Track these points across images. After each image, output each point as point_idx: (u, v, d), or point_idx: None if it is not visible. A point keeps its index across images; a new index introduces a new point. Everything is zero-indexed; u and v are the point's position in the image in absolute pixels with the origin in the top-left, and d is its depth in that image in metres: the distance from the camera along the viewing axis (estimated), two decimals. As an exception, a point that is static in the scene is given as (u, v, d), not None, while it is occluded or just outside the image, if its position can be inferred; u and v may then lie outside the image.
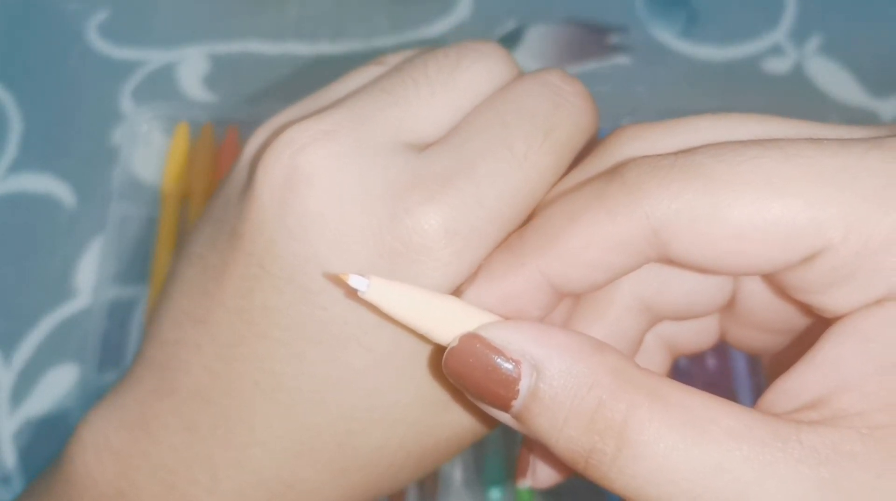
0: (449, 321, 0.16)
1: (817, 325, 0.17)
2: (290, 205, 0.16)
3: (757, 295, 0.18)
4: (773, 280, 0.16)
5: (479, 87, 0.18)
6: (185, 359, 0.17)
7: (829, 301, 0.15)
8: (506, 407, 0.15)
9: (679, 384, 0.15)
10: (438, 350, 0.17)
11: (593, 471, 0.15)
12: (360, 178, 0.16)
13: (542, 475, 0.18)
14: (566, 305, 0.18)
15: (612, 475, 0.14)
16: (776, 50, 0.45)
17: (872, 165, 0.14)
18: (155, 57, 0.45)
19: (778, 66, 0.44)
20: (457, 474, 0.34)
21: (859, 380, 0.14)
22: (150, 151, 0.41)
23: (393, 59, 0.20)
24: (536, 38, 0.45)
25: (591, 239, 0.15)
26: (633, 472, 0.14)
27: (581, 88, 0.19)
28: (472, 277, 0.17)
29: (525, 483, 0.18)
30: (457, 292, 0.17)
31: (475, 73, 0.18)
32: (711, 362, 0.36)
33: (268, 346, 0.17)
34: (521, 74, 0.19)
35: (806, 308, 0.17)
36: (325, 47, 0.46)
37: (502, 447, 0.34)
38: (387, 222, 0.16)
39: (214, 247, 0.17)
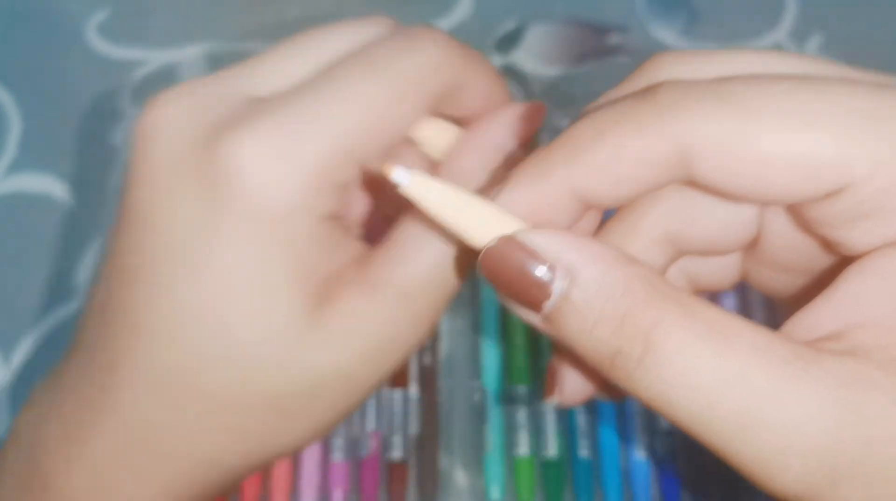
0: (482, 224, 0.16)
1: (838, 267, 0.17)
2: (138, 156, 0.18)
3: (781, 234, 0.18)
4: (798, 213, 0.17)
5: (341, 50, 0.19)
6: (86, 318, 0.20)
7: (851, 237, 0.16)
8: (537, 308, 0.16)
9: (707, 301, 0.15)
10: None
11: (618, 372, 0.15)
12: (194, 125, 0.18)
13: (569, 391, 0.18)
14: (589, 224, 0.19)
15: (636, 377, 0.15)
16: (776, 50, 0.45)
17: None
18: (155, 57, 0.45)
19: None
20: (457, 474, 0.34)
21: (879, 315, 0.15)
22: (149, 151, 0.41)
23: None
24: (536, 38, 0.45)
25: (618, 154, 0.16)
26: (656, 375, 0.14)
27: (440, 36, 0.19)
28: (501, 185, 0.17)
29: (553, 400, 0.18)
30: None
31: (339, 38, 0.19)
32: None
33: (124, 292, 0.18)
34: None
35: (828, 246, 0.17)
36: (325, 47, 0.45)
37: (502, 447, 0.34)
38: (206, 156, 0.17)
39: (116, 217, 0.19)
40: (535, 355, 0.36)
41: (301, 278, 0.18)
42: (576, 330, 0.15)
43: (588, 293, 0.15)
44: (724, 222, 0.18)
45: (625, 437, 0.35)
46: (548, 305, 0.15)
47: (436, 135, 0.20)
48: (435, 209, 0.16)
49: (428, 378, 0.35)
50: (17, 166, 0.42)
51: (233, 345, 0.18)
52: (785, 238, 0.18)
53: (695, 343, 0.14)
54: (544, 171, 0.17)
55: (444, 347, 0.37)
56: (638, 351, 0.15)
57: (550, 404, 0.19)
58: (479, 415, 0.35)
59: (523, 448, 0.34)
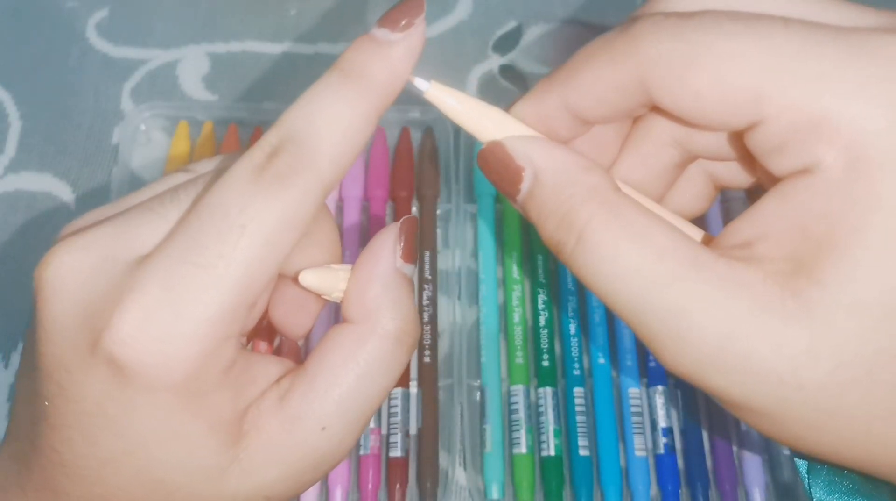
0: (487, 125, 0.21)
1: None
2: (38, 310, 0.19)
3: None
4: (737, 141, 0.20)
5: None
6: (19, 429, 0.21)
7: (772, 164, 0.18)
8: (513, 198, 0.20)
9: (641, 206, 0.19)
10: None
11: (560, 255, 0.19)
12: (84, 292, 0.18)
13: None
14: (614, 134, 0.22)
15: (571, 262, 0.19)
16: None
17: (826, 52, 0.16)
18: (155, 56, 0.45)
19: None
20: (457, 474, 0.34)
21: (775, 233, 0.17)
22: (149, 150, 0.41)
23: (200, 167, 0.22)
24: (536, 39, 0.45)
25: (596, 78, 0.19)
26: (583, 262, 0.18)
27: (280, 167, 0.18)
28: (521, 97, 0.21)
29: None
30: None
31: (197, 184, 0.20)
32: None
33: (46, 425, 0.19)
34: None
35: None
36: (325, 47, 0.46)
37: (502, 445, 0.34)
38: (96, 336, 0.18)
39: (26, 341, 0.20)
40: (535, 355, 0.36)
41: (213, 425, 0.19)
42: (536, 218, 0.19)
43: (544, 191, 0.19)
44: (711, 136, 0.21)
45: (624, 435, 0.35)
46: (519, 197, 0.20)
47: (333, 282, 0.21)
48: (450, 111, 0.21)
49: (428, 377, 0.35)
50: (16, 165, 0.42)
51: (156, 485, 0.19)
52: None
53: (611, 240, 0.18)
54: (547, 89, 0.20)
55: (444, 346, 0.37)
56: (572, 241, 0.18)
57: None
58: (478, 414, 0.35)
59: (523, 446, 0.34)
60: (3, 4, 0.47)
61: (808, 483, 0.19)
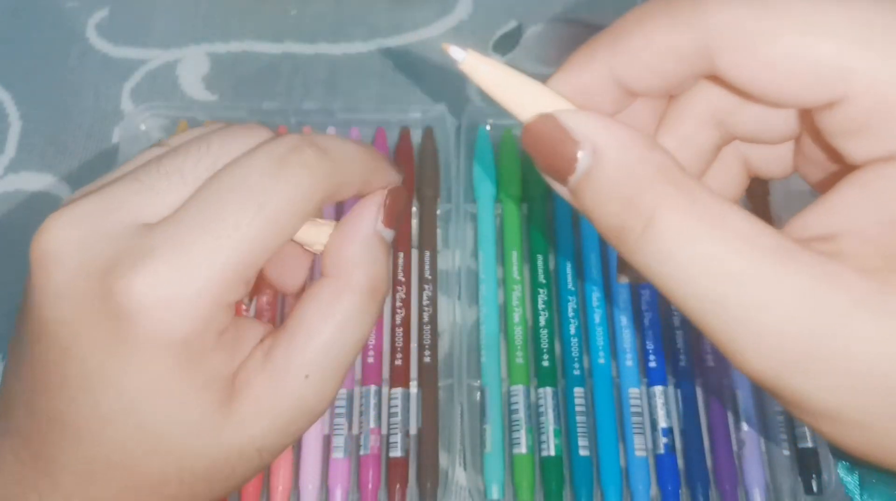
0: (527, 100, 0.18)
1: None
2: (38, 279, 0.20)
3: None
4: (808, 120, 0.18)
5: (216, 164, 0.21)
6: (12, 405, 0.21)
7: (849, 149, 0.17)
8: (563, 180, 0.18)
9: (712, 191, 0.17)
10: None
11: (623, 245, 0.17)
12: (88, 257, 0.19)
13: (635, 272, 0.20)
14: (651, 113, 0.21)
15: (636, 249, 0.17)
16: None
17: None
18: (155, 56, 0.45)
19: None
20: (457, 474, 0.34)
21: (861, 227, 0.16)
22: (149, 150, 0.41)
23: (175, 141, 0.22)
24: (536, 38, 0.45)
25: (651, 42, 0.17)
26: (652, 249, 0.16)
27: (308, 156, 0.20)
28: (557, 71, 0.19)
29: (624, 280, 0.21)
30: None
31: (212, 152, 0.21)
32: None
33: (48, 393, 0.20)
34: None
35: (836, 156, 0.18)
36: (325, 47, 0.46)
37: (502, 445, 0.34)
38: (105, 292, 0.19)
39: (21, 312, 0.21)
40: (535, 355, 0.36)
41: (208, 384, 0.20)
42: (593, 203, 0.17)
43: (606, 172, 0.17)
44: (764, 116, 0.19)
45: (623, 435, 0.35)
46: (573, 178, 0.18)
47: (316, 235, 0.22)
48: (486, 84, 0.19)
49: (428, 377, 0.35)
50: (16, 166, 0.42)
51: (155, 441, 0.20)
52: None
53: (688, 225, 0.16)
54: (590, 57, 0.18)
55: (444, 346, 0.37)
56: (640, 226, 0.16)
57: (623, 283, 0.21)
58: (478, 414, 0.35)
59: (523, 446, 0.34)
60: (2, 4, 0.47)
61: (861, 495, 0.18)
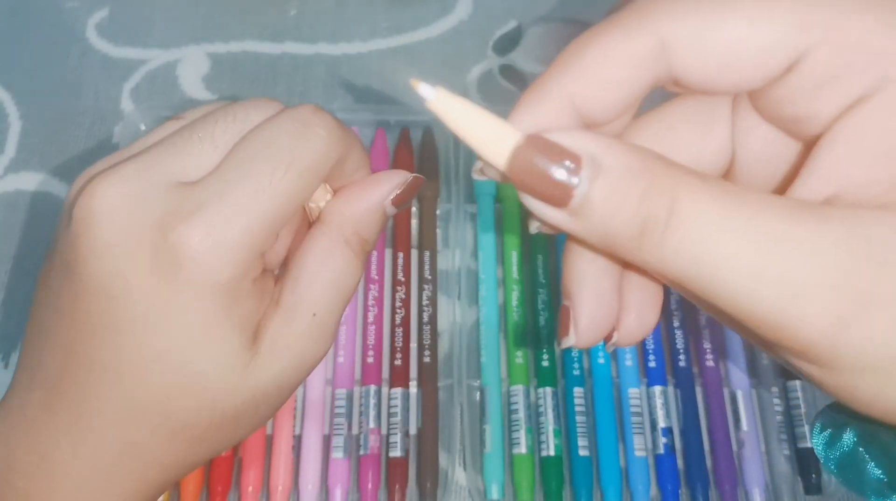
0: (497, 137, 0.17)
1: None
2: (87, 236, 0.21)
3: (754, 154, 0.20)
4: (766, 100, 0.18)
5: (243, 130, 0.23)
6: (43, 360, 0.23)
7: (816, 110, 0.17)
8: (565, 202, 0.17)
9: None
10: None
11: (648, 244, 0.16)
12: (139, 212, 0.21)
13: (584, 328, 0.19)
14: None
15: (665, 242, 0.16)
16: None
17: None
18: (155, 56, 0.45)
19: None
20: (457, 474, 0.34)
21: (863, 171, 0.16)
22: (149, 150, 0.41)
23: (190, 115, 0.25)
24: (536, 39, 0.45)
25: (606, 54, 0.17)
26: (682, 235, 0.16)
27: (328, 121, 0.23)
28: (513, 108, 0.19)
29: (569, 341, 0.19)
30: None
31: (239, 120, 0.23)
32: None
33: (91, 341, 0.22)
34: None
35: (798, 133, 0.18)
36: (326, 47, 0.46)
37: (502, 445, 0.34)
38: (159, 243, 0.21)
39: (52, 275, 0.23)
40: (535, 355, 0.36)
41: (242, 325, 0.22)
42: (605, 214, 0.16)
43: (613, 175, 0.16)
44: (697, 153, 0.20)
45: (623, 435, 0.35)
46: (577, 194, 0.16)
47: (316, 197, 0.25)
48: (455, 123, 0.18)
49: (428, 377, 0.35)
50: (16, 166, 0.42)
51: (193, 380, 0.22)
52: (757, 156, 0.20)
53: (713, 202, 0.15)
54: (546, 88, 0.18)
55: (443, 346, 0.37)
56: (664, 214, 0.16)
57: (567, 347, 0.19)
58: (478, 414, 0.35)
59: (522, 446, 0.34)
60: (2, 4, 0.47)
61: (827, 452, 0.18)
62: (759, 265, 0.15)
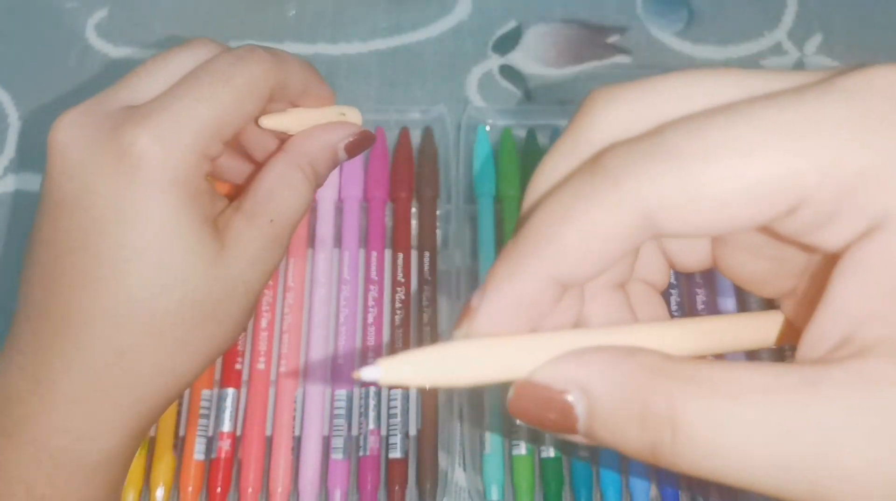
0: (476, 372, 0.17)
1: (823, 263, 0.18)
2: (56, 162, 0.24)
3: (744, 236, 0.20)
4: (766, 230, 0.17)
5: (188, 67, 0.27)
6: (31, 293, 0.25)
7: (822, 241, 0.16)
8: (573, 431, 0.17)
9: (706, 360, 0.16)
10: None
11: (661, 460, 0.16)
12: (97, 131, 0.25)
13: (483, 327, 0.18)
14: None
15: (678, 461, 0.16)
16: (776, 50, 0.45)
17: (829, 109, 0.15)
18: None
19: (778, 65, 0.44)
20: (456, 475, 0.34)
21: (875, 309, 0.15)
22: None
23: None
24: (536, 38, 0.45)
25: (587, 233, 0.17)
26: (692, 452, 0.15)
27: (261, 53, 0.27)
28: (481, 289, 0.18)
29: (460, 334, 0.19)
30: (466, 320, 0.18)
31: (184, 58, 0.27)
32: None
33: (71, 258, 0.24)
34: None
35: (805, 248, 0.18)
36: (325, 47, 0.46)
37: (502, 446, 0.34)
38: (115, 149, 0.24)
39: (38, 215, 0.26)
40: (535, 354, 0.36)
41: (203, 218, 0.25)
42: (612, 438, 0.16)
43: (605, 403, 0.16)
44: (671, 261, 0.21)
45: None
46: (580, 426, 0.17)
47: (292, 120, 0.29)
48: (420, 383, 0.17)
49: (427, 378, 0.35)
50: (15, 166, 0.42)
51: (172, 273, 0.24)
52: (750, 236, 0.19)
53: (710, 410, 0.15)
54: (518, 266, 0.18)
55: (443, 346, 0.37)
56: (668, 438, 0.15)
57: (457, 335, 0.19)
58: (478, 415, 0.35)
59: (522, 447, 0.34)
60: (2, 4, 0.47)
61: None
62: (778, 448, 0.15)
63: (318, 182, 0.29)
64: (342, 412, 0.35)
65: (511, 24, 0.46)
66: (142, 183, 0.24)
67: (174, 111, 0.25)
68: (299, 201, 0.28)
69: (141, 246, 0.24)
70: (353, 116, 0.31)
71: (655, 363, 0.16)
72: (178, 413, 0.35)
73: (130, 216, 0.24)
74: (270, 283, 0.36)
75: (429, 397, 0.35)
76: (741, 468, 0.15)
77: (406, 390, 0.35)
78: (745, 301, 0.36)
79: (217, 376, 0.35)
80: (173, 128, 0.24)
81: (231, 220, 0.26)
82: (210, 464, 0.34)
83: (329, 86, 0.30)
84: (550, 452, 0.34)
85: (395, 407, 0.35)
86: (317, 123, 0.30)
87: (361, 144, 0.30)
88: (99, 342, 0.24)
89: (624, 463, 0.34)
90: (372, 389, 0.35)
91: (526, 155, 0.40)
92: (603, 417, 0.16)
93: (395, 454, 0.34)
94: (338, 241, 0.38)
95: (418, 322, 0.36)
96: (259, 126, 0.28)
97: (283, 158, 0.28)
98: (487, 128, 0.41)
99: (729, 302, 0.36)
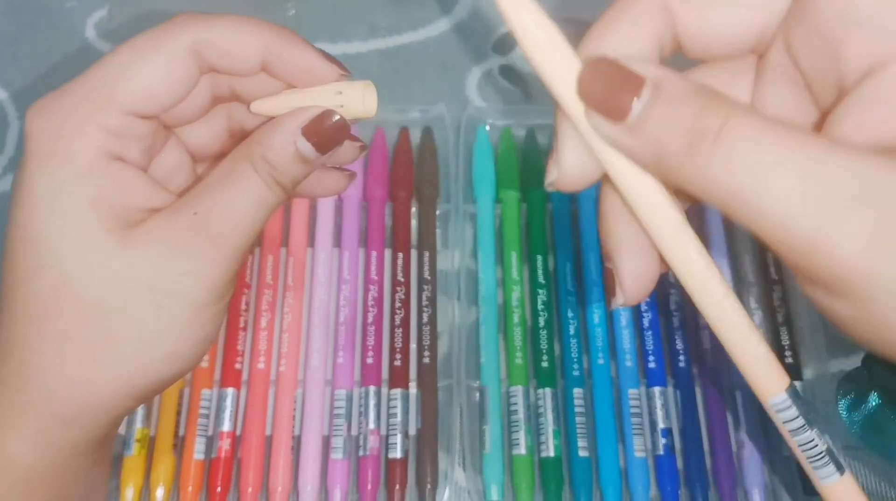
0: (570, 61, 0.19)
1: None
2: (24, 142, 0.23)
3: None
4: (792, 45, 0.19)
5: None
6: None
7: (849, 50, 0.17)
8: (625, 114, 0.18)
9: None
10: None
11: (697, 153, 0.17)
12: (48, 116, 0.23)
13: (630, 286, 0.20)
14: None
15: (713, 152, 0.16)
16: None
17: None
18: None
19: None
20: (456, 475, 0.34)
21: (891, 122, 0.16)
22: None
23: None
24: (536, 38, 0.45)
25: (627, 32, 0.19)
26: (729, 146, 0.16)
27: (175, 19, 0.25)
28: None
29: (618, 301, 0.20)
30: None
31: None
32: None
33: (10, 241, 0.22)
34: None
35: (826, 87, 0.19)
36: (325, 47, 0.45)
37: (501, 446, 0.34)
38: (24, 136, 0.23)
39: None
40: (535, 355, 0.36)
41: (96, 203, 0.22)
42: (658, 128, 0.17)
43: (672, 94, 0.17)
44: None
45: (623, 436, 0.35)
46: (636, 108, 0.18)
47: (281, 104, 0.25)
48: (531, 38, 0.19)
49: (427, 378, 0.35)
50: (14, 166, 0.42)
51: (46, 254, 0.22)
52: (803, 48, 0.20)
53: (764, 122, 0.16)
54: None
55: (443, 347, 0.37)
56: (716, 127, 0.16)
57: (618, 307, 0.20)
58: (478, 415, 0.35)
59: (522, 447, 0.34)
60: (2, 4, 0.47)
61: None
62: (799, 183, 0.16)
63: (280, 179, 0.24)
64: (342, 411, 0.35)
65: (511, 24, 0.46)
66: (28, 163, 0.22)
67: (72, 88, 0.23)
68: (243, 198, 0.23)
69: (21, 223, 0.22)
70: (352, 95, 0.24)
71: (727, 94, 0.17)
72: (178, 413, 0.35)
73: (23, 198, 0.22)
74: (270, 282, 0.36)
75: (429, 396, 0.35)
76: (758, 187, 0.16)
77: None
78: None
79: (217, 376, 0.35)
80: (65, 103, 0.22)
81: (152, 216, 0.23)
82: (210, 464, 0.34)
83: (329, 57, 0.25)
84: (551, 452, 0.34)
85: (395, 407, 0.35)
86: (307, 105, 0.24)
87: (328, 133, 0.24)
88: (6, 353, 0.22)
89: (624, 462, 0.34)
90: (372, 388, 0.35)
91: (526, 155, 0.40)
92: (663, 104, 0.17)
93: (395, 453, 0.34)
94: (337, 241, 0.38)
95: (418, 322, 0.36)
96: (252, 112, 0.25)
97: (234, 152, 0.24)
98: (487, 128, 0.41)
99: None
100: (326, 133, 0.24)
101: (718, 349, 0.36)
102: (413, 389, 0.35)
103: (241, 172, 0.23)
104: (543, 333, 0.36)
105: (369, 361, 0.36)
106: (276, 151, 0.23)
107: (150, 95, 0.23)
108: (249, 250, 0.25)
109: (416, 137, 0.41)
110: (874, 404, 0.20)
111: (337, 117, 0.24)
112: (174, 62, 0.23)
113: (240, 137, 0.26)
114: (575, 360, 0.36)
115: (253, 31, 0.24)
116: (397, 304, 0.37)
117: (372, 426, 0.34)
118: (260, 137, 0.23)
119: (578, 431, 0.34)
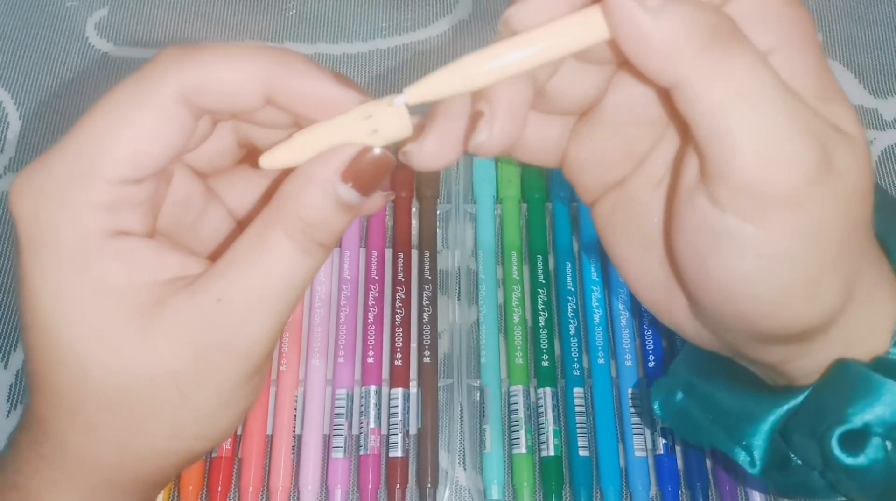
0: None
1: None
2: (14, 225, 0.20)
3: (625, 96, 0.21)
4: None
5: None
6: (31, 397, 0.22)
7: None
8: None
9: None
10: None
11: (712, 49, 0.18)
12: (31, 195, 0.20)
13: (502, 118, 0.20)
14: None
15: (720, 55, 0.18)
16: (775, 50, 0.45)
17: None
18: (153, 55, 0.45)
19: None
20: (457, 474, 0.34)
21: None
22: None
23: None
24: (536, 38, 0.45)
25: None
26: (735, 50, 0.18)
27: (158, 56, 0.21)
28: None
29: (479, 137, 0.20)
30: None
31: None
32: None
33: (40, 341, 0.20)
34: None
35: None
36: (325, 47, 0.46)
37: (502, 445, 0.34)
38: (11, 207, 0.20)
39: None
40: (535, 355, 0.36)
41: (101, 291, 0.20)
42: (681, 18, 0.18)
43: None
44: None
45: (623, 436, 0.35)
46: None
47: (297, 151, 0.21)
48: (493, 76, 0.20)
49: (428, 377, 0.35)
50: (14, 166, 0.42)
51: (64, 352, 0.20)
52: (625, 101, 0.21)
53: (763, 60, 0.18)
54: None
55: (443, 346, 0.37)
56: (732, 29, 0.18)
57: (480, 142, 0.20)
58: (478, 414, 0.35)
59: (522, 446, 0.34)
60: (2, 4, 0.47)
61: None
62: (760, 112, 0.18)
63: (320, 238, 0.20)
64: (342, 411, 0.35)
65: (511, 24, 0.46)
66: (22, 250, 0.20)
67: (58, 160, 0.20)
68: (273, 274, 0.20)
69: (33, 313, 0.20)
70: (384, 117, 0.20)
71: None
72: (179, 413, 0.35)
73: (32, 287, 0.20)
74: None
75: (429, 396, 0.35)
76: (734, 102, 0.18)
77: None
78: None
79: (217, 375, 0.35)
80: (51, 179, 0.20)
81: (171, 298, 0.20)
82: (210, 463, 0.34)
83: (344, 79, 0.21)
84: (551, 451, 0.34)
85: (396, 406, 0.35)
86: (331, 144, 0.20)
87: (364, 169, 0.20)
88: (42, 432, 0.21)
89: (624, 462, 0.34)
90: (373, 388, 0.35)
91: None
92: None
93: (396, 453, 0.34)
94: (338, 240, 0.38)
95: (418, 322, 0.36)
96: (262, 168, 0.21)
97: (262, 214, 0.20)
98: (487, 128, 0.41)
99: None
100: (368, 170, 0.20)
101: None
102: (413, 388, 0.35)
103: (270, 243, 0.20)
104: (544, 332, 0.36)
105: (370, 360, 0.36)
106: (314, 208, 0.20)
107: (140, 159, 0.20)
108: (289, 317, 0.21)
109: (416, 136, 0.41)
110: (680, 398, 0.24)
111: (378, 151, 0.20)
112: (162, 117, 0.20)
113: (250, 149, 0.23)
114: (575, 360, 0.36)
115: (250, 62, 0.20)
116: (398, 303, 0.37)
117: (372, 425, 0.34)
118: (291, 193, 0.20)
119: (578, 430, 0.34)
